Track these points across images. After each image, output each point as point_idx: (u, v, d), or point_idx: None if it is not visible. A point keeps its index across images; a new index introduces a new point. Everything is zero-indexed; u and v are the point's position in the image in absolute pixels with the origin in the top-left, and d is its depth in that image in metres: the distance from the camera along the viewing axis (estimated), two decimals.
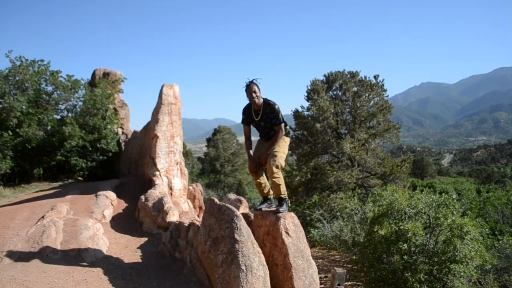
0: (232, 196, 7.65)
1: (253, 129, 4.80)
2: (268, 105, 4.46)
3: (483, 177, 54.98)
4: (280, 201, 4.55)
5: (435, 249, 5.95)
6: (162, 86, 9.52)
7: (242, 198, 7.42)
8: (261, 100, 4.47)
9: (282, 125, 4.51)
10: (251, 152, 4.73)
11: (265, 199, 4.80)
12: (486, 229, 6.99)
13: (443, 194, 7.14)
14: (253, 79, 4.44)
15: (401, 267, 5.79)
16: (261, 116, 4.51)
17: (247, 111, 4.64)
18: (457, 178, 52.05)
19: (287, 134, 4.67)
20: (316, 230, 10.92)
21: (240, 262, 3.78)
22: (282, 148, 4.52)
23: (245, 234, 4.01)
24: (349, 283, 6.92)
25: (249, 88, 4.40)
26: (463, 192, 23.22)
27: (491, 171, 64.45)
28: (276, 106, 4.44)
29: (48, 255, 5.13)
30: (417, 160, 51.23)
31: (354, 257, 8.09)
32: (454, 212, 6.26)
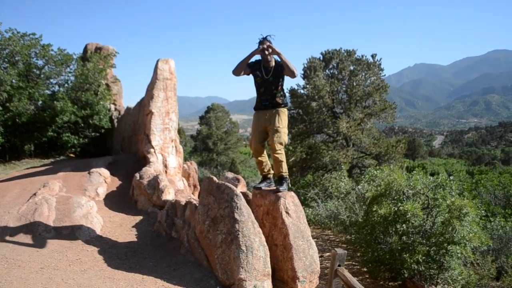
0: (230, 174, 7.52)
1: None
2: (281, 65, 4.29)
3: (474, 159, 55.80)
4: (281, 179, 4.44)
5: (433, 230, 5.94)
6: (157, 61, 9.24)
7: (240, 177, 7.30)
8: (273, 61, 4.33)
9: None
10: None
11: (265, 178, 4.68)
12: (483, 211, 7.00)
13: (440, 175, 7.10)
14: (267, 35, 4.22)
15: (399, 247, 5.77)
16: (272, 73, 4.32)
17: (255, 64, 4.38)
18: (447, 160, 52.72)
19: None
20: (310, 209, 10.92)
21: (241, 242, 3.70)
22: (284, 122, 4.39)
23: (245, 214, 3.91)
24: (345, 263, 6.92)
25: (263, 44, 4.18)
26: (454, 174, 23.47)
27: (482, 153, 65.38)
28: None
29: (40, 234, 4.98)
30: (409, 141, 51.48)
31: (349, 237, 8.08)
32: (452, 193, 6.23)
